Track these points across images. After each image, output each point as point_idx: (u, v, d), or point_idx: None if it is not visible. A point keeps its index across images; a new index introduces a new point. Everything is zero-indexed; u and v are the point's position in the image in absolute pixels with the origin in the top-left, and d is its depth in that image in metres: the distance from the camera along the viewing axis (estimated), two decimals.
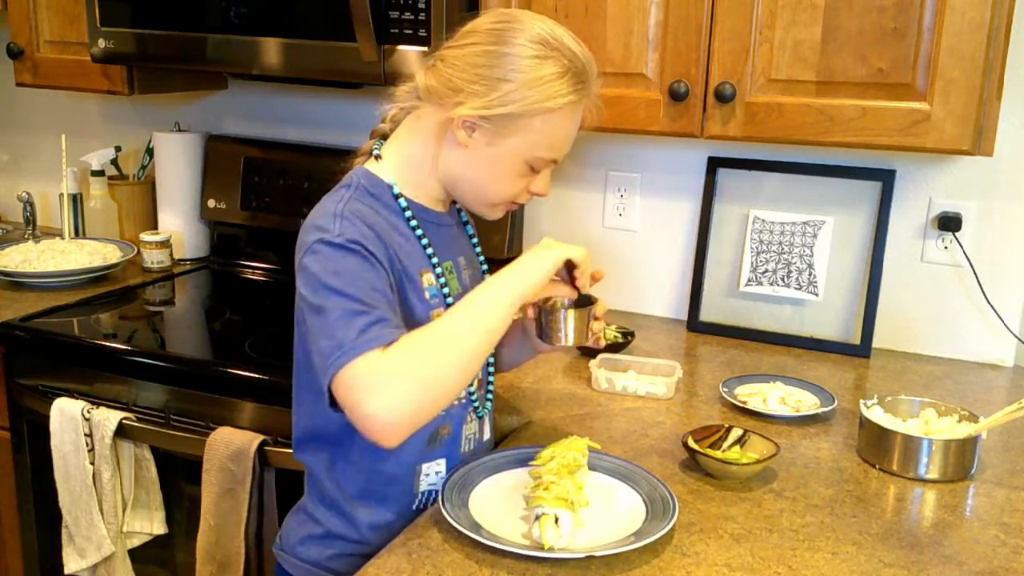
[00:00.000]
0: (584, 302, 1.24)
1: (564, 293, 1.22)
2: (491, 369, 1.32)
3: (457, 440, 1.24)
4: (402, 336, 1.04)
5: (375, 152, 1.20)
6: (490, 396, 1.32)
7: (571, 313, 1.23)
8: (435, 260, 1.18)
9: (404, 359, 1.02)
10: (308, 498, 1.25)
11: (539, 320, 1.25)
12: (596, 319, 1.25)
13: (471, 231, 1.33)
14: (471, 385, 1.25)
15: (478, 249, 1.33)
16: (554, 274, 1.15)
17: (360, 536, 1.20)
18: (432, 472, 1.22)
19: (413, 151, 1.19)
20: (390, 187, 1.17)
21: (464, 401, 1.24)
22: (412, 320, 1.14)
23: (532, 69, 1.10)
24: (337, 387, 1.02)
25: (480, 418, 1.29)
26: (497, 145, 1.13)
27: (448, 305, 1.18)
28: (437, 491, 1.20)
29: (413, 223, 1.17)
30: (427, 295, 1.17)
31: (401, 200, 1.17)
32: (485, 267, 1.33)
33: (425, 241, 1.18)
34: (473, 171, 1.17)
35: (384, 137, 1.22)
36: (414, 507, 1.21)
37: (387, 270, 1.09)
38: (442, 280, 1.19)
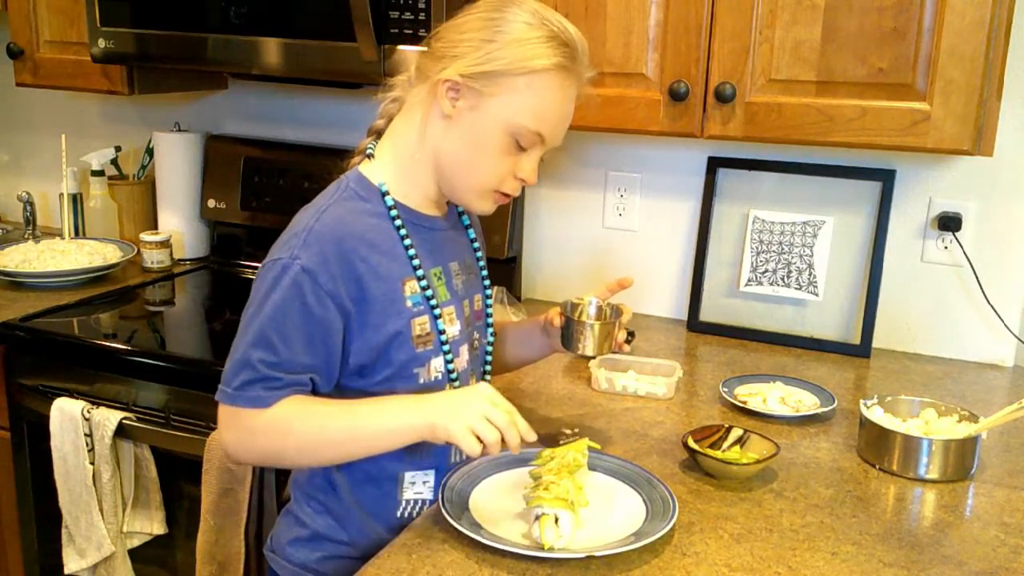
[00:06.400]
0: (612, 311, 1.31)
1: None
2: (487, 368, 1.31)
3: (446, 450, 1.21)
4: (287, 401, 1.08)
5: (369, 151, 1.20)
6: None
7: (598, 325, 1.27)
8: (416, 263, 1.16)
9: (275, 432, 1.09)
10: (294, 499, 1.25)
11: (564, 327, 1.29)
12: (621, 328, 1.29)
13: (473, 235, 1.31)
14: None
15: (479, 254, 1.31)
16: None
17: (348, 538, 1.20)
18: (419, 482, 1.20)
19: (403, 141, 1.18)
20: (380, 189, 1.16)
21: None
22: (386, 331, 1.12)
23: (518, 31, 1.10)
24: (219, 406, 1.11)
25: None
26: (480, 109, 1.11)
27: (433, 308, 1.16)
28: (426, 501, 1.20)
29: (398, 223, 1.16)
30: (408, 303, 1.15)
31: (388, 199, 1.16)
32: (485, 272, 1.31)
33: (408, 243, 1.16)
34: (457, 144, 1.14)
35: (380, 134, 1.22)
36: (398, 514, 1.20)
37: (334, 303, 1.09)
38: (423, 284, 1.16)
